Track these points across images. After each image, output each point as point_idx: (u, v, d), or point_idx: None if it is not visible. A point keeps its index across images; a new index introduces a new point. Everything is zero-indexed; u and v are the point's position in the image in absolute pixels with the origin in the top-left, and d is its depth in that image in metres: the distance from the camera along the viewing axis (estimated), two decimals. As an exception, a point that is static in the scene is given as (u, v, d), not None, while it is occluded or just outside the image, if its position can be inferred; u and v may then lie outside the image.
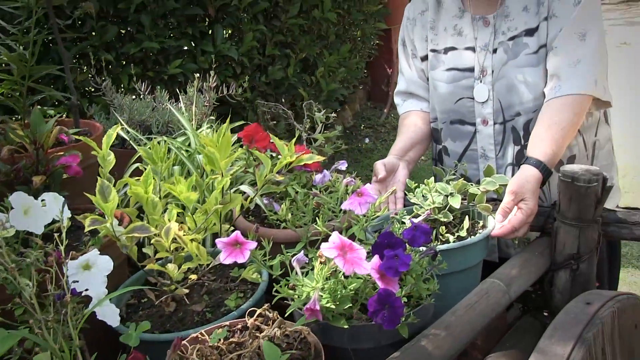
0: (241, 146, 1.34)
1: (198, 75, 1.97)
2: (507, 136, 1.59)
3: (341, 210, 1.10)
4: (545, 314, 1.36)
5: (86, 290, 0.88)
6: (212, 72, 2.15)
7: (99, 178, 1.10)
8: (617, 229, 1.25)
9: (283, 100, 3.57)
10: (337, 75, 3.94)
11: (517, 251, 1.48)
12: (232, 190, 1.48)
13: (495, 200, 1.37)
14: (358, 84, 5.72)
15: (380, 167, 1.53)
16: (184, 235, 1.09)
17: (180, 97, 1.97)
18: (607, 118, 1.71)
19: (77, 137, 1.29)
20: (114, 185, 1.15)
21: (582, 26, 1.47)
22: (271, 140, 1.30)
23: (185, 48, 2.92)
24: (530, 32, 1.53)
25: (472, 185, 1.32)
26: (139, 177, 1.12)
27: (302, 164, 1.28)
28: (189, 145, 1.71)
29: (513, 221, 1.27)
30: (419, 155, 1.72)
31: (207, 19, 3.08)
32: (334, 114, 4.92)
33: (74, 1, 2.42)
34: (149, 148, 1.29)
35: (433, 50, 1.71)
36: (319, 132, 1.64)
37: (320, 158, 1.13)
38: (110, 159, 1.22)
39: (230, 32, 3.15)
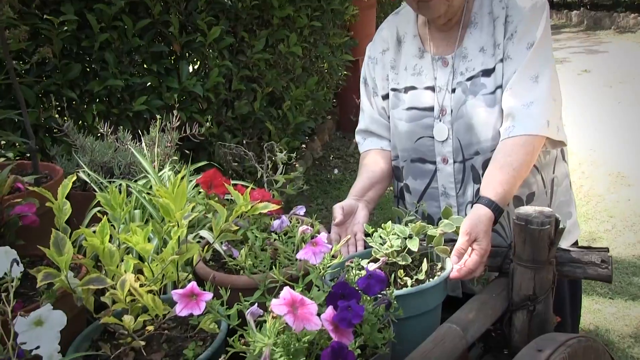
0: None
1: (160, 117, 1.96)
2: (466, 175, 1.62)
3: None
4: (506, 352, 1.37)
5: (37, 348, 0.86)
6: (175, 112, 2.15)
7: (53, 230, 1.08)
8: (572, 269, 1.28)
9: (251, 131, 3.58)
10: (305, 108, 3.97)
11: (478, 288, 1.50)
12: (192, 235, 1.48)
13: (454, 241, 1.39)
14: (326, 115, 5.77)
15: (338, 210, 1.54)
16: (140, 286, 1.08)
17: (143, 138, 1.97)
18: (564, 155, 1.75)
19: (30, 188, 1.27)
20: (70, 236, 1.14)
21: (535, 69, 1.51)
22: (233, 182, 1.31)
23: (150, 84, 2.91)
24: (487, 73, 1.57)
25: (430, 227, 1.34)
26: (101, 221, 1.11)
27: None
28: (150, 188, 1.70)
29: (469, 263, 1.29)
30: (379, 194, 1.74)
31: (172, 56, 3.09)
32: (303, 145, 4.94)
33: (34, 44, 2.42)
34: (109, 193, 1.28)
35: (394, 89, 1.74)
36: (281, 173, 1.64)
37: (274, 207, 1.13)
38: (66, 208, 1.21)
39: (196, 68, 3.15)
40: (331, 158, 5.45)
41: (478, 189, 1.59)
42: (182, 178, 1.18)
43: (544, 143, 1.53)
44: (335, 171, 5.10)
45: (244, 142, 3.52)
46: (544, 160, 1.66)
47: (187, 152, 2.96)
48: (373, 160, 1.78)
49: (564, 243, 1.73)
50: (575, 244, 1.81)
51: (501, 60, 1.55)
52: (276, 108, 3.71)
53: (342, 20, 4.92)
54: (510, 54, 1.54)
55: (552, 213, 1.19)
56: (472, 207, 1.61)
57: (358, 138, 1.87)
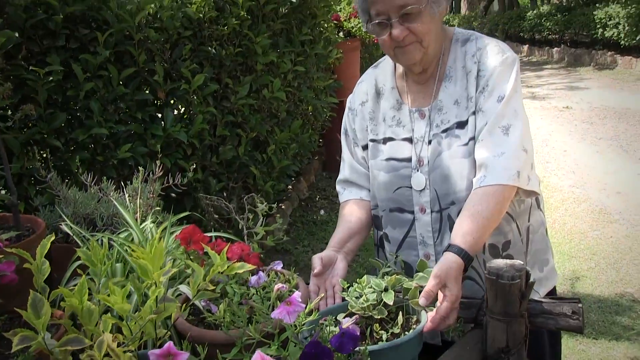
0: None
1: (143, 168, 1.99)
2: (443, 224, 1.66)
3: (274, 316, 1.12)
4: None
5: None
6: (158, 162, 2.18)
7: (31, 291, 1.10)
8: (544, 320, 1.30)
9: (236, 175, 3.61)
10: (289, 151, 4.02)
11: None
12: (172, 290, 1.49)
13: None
14: (312, 155, 5.82)
15: (317, 262, 1.57)
16: (118, 345, 1.09)
17: (125, 189, 1.99)
18: (539, 204, 1.79)
19: (8, 250, 1.28)
20: (49, 295, 1.15)
21: (506, 120, 1.56)
22: (214, 234, 1.33)
23: (135, 132, 2.94)
24: (461, 125, 1.62)
25: (405, 279, 1.36)
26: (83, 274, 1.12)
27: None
28: (132, 240, 1.72)
29: (440, 311, 1.31)
30: (358, 245, 1.77)
31: (156, 103, 3.13)
32: (289, 187, 4.96)
33: (19, 94, 2.46)
34: (90, 248, 1.30)
35: (373, 140, 1.79)
36: (261, 225, 1.67)
37: (250, 267, 1.15)
38: (44, 268, 1.22)
39: (180, 114, 3.20)
40: (317, 199, 5.48)
41: None
42: (160, 239, 1.21)
43: (515, 193, 1.57)
44: (322, 212, 5.13)
45: (229, 186, 3.55)
46: (519, 209, 1.70)
47: (172, 196, 2.98)
48: (352, 210, 1.82)
49: (543, 289, 1.77)
50: (554, 289, 1.84)
51: (473, 113, 1.61)
52: (261, 152, 3.76)
53: (326, 64, 5.01)
54: (482, 107, 1.59)
55: (522, 266, 1.22)
56: None
57: (338, 188, 1.92)
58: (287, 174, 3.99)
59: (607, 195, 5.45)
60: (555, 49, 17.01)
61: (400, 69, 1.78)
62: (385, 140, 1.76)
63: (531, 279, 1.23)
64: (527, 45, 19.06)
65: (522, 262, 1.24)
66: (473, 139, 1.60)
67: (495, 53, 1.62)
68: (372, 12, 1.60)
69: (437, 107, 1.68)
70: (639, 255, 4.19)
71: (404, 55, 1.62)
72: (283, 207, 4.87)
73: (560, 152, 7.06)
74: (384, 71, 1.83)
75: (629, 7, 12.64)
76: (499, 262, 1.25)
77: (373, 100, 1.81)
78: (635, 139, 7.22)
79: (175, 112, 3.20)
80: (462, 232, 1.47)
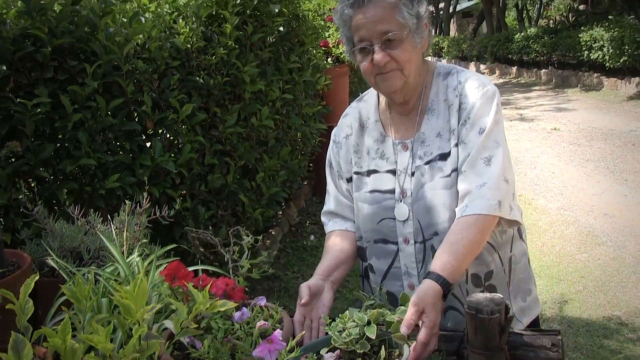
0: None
1: (130, 201, 2.00)
2: (427, 254, 1.68)
3: (256, 353, 1.13)
4: None
5: None
6: (147, 190, 2.19)
7: (13, 333, 1.10)
8: (525, 352, 1.32)
9: (225, 203, 3.62)
10: (278, 178, 4.04)
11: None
12: (157, 325, 1.50)
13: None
14: (302, 180, 5.84)
15: (305, 291, 1.58)
16: (100, 385, 1.10)
17: (112, 222, 2.00)
18: (521, 234, 1.82)
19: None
20: (32, 335, 1.16)
21: (487, 152, 1.60)
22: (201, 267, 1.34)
23: (123, 162, 2.95)
24: (443, 157, 1.66)
25: (388, 313, 1.38)
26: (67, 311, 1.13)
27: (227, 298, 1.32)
28: (118, 274, 1.72)
29: (420, 337, 1.33)
30: (344, 275, 1.79)
31: (145, 132, 3.15)
32: (279, 212, 4.93)
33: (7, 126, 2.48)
34: (75, 284, 1.31)
35: (357, 173, 1.82)
36: (246, 258, 1.68)
37: (232, 304, 1.16)
38: (28, 307, 1.23)
39: (168, 144, 3.21)
40: (307, 224, 5.50)
41: None
42: (147, 273, 1.22)
43: (496, 223, 1.60)
44: (312, 237, 5.14)
45: (218, 214, 3.56)
46: (501, 239, 1.73)
47: (161, 224, 2.98)
48: (337, 241, 1.84)
49: (526, 319, 1.79)
50: (537, 318, 1.86)
51: (456, 145, 1.64)
52: (249, 180, 3.77)
53: (315, 90, 5.05)
54: (464, 139, 1.63)
55: (502, 300, 1.24)
56: None
57: (323, 219, 1.94)
58: (276, 200, 4.00)
59: (594, 217, 5.50)
60: (543, 70, 17.24)
61: (383, 102, 1.82)
62: (369, 172, 1.79)
63: (510, 313, 1.24)
64: (515, 67, 19.30)
65: (501, 296, 1.26)
66: (456, 170, 1.64)
67: (475, 87, 1.67)
68: (356, 39, 1.65)
69: (419, 139, 1.71)
70: (626, 277, 4.22)
71: (384, 82, 1.66)
72: (273, 232, 4.88)
73: (548, 174, 7.13)
74: (368, 104, 1.87)
75: (612, 31, 12.87)
76: (479, 296, 1.27)
77: (357, 134, 1.85)
78: (621, 161, 7.30)
79: (164, 141, 3.22)
80: (440, 260, 1.50)
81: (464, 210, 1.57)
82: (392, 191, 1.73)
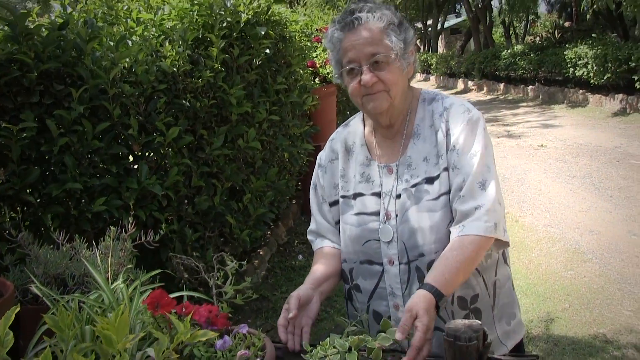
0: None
1: (115, 227, 2.01)
2: (412, 275, 1.71)
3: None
4: None
5: None
6: (131, 218, 2.20)
7: (-6, 365, 1.11)
8: (502, 377, 1.33)
9: (212, 225, 3.63)
10: (266, 199, 4.05)
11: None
12: (141, 353, 1.50)
13: (395, 351, 1.44)
14: (290, 200, 5.85)
15: (294, 302, 1.64)
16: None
17: (97, 247, 2.00)
18: (505, 259, 1.86)
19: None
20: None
21: (482, 176, 1.65)
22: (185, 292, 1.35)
23: (110, 185, 2.96)
24: (430, 180, 1.70)
25: (369, 339, 1.39)
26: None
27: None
28: (102, 301, 1.73)
29: (414, 342, 1.37)
30: (333, 287, 1.87)
31: (131, 156, 3.16)
32: (268, 232, 4.93)
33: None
34: (57, 313, 1.32)
35: (343, 197, 1.86)
36: (230, 284, 1.69)
37: (212, 334, 1.18)
38: (7, 339, 1.24)
39: (155, 166, 3.22)
40: (296, 243, 5.50)
41: None
42: (131, 299, 1.23)
43: (490, 245, 1.64)
44: (300, 257, 5.15)
45: (206, 235, 3.57)
46: (485, 263, 1.76)
47: (148, 247, 2.98)
48: (327, 256, 1.90)
49: (510, 342, 1.82)
50: (521, 342, 1.88)
51: (445, 169, 1.68)
52: (237, 201, 3.79)
53: (302, 111, 5.09)
54: (456, 165, 1.68)
55: (480, 327, 1.26)
56: None
57: (310, 237, 1.99)
58: (263, 221, 4.02)
59: (580, 234, 5.54)
60: (530, 87, 17.41)
61: (369, 126, 1.87)
62: (355, 195, 1.83)
63: (488, 339, 1.26)
64: (503, 84, 19.48)
65: (479, 322, 1.28)
66: (445, 194, 1.68)
67: (461, 112, 1.72)
68: (345, 60, 1.70)
69: (406, 162, 1.75)
70: (611, 294, 4.25)
71: (371, 102, 1.70)
72: (261, 252, 4.88)
73: (535, 191, 7.18)
74: (353, 129, 1.92)
75: (596, 48, 13.06)
76: (457, 323, 1.29)
77: (343, 159, 1.89)
78: (606, 177, 7.37)
79: (150, 164, 3.23)
80: (434, 273, 1.55)
81: (461, 230, 1.61)
82: (377, 213, 1.77)
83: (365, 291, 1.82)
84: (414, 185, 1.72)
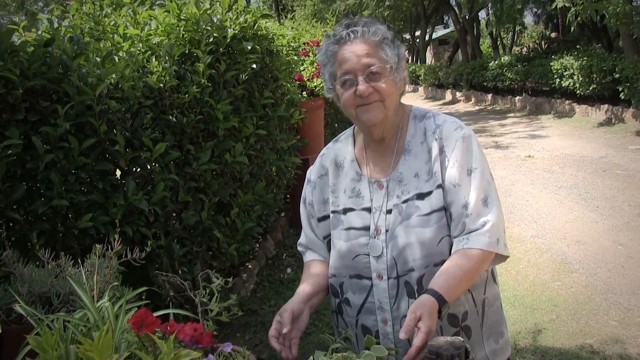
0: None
1: (99, 245, 2.01)
2: (400, 290, 1.74)
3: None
4: None
5: None
6: (117, 235, 2.20)
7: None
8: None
9: (199, 239, 3.62)
10: (253, 213, 4.06)
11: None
12: (125, 373, 1.50)
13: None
14: (279, 213, 5.86)
15: (287, 318, 1.67)
16: None
17: (82, 266, 2.00)
18: (494, 278, 1.89)
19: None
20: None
21: (484, 192, 1.69)
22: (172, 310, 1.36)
23: (96, 201, 2.96)
24: (421, 197, 1.73)
25: (353, 356, 1.40)
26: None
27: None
28: (88, 320, 1.73)
29: (416, 342, 1.41)
30: (320, 302, 1.91)
31: (118, 171, 3.16)
32: (257, 245, 4.93)
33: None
34: (41, 334, 1.32)
35: (334, 212, 1.88)
36: (216, 301, 1.69)
37: (196, 354, 1.18)
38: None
39: (142, 182, 3.22)
40: (284, 256, 5.50)
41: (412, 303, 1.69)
42: (117, 316, 1.23)
43: (491, 259, 1.68)
44: (288, 270, 5.15)
45: (193, 250, 3.56)
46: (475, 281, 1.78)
47: (135, 263, 2.98)
48: (317, 269, 1.94)
49: (498, 360, 1.83)
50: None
51: (439, 187, 1.70)
52: (224, 216, 3.79)
53: (289, 124, 5.10)
54: (455, 182, 1.71)
55: (462, 344, 1.27)
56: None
57: (300, 249, 2.03)
58: (251, 235, 4.02)
59: (567, 245, 5.58)
60: (518, 97, 17.54)
61: (360, 142, 1.89)
62: (346, 210, 1.86)
63: (471, 357, 1.28)
64: (490, 94, 19.61)
65: (461, 340, 1.30)
66: (437, 211, 1.71)
67: (454, 129, 1.75)
68: (340, 72, 1.73)
69: (397, 178, 1.78)
70: (598, 305, 4.28)
71: (366, 112, 1.73)
72: (250, 266, 4.88)
73: (523, 202, 7.23)
74: (344, 145, 1.94)
75: (581, 60, 13.21)
76: (440, 340, 1.30)
77: (334, 174, 1.91)
78: (592, 187, 7.44)
79: (137, 180, 3.23)
80: (438, 280, 1.59)
81: (465, 244, 1.66)
82: (367, 228, 1.79)
83: (355, 305, 1.83)
84: (405, 201, 1.75)
